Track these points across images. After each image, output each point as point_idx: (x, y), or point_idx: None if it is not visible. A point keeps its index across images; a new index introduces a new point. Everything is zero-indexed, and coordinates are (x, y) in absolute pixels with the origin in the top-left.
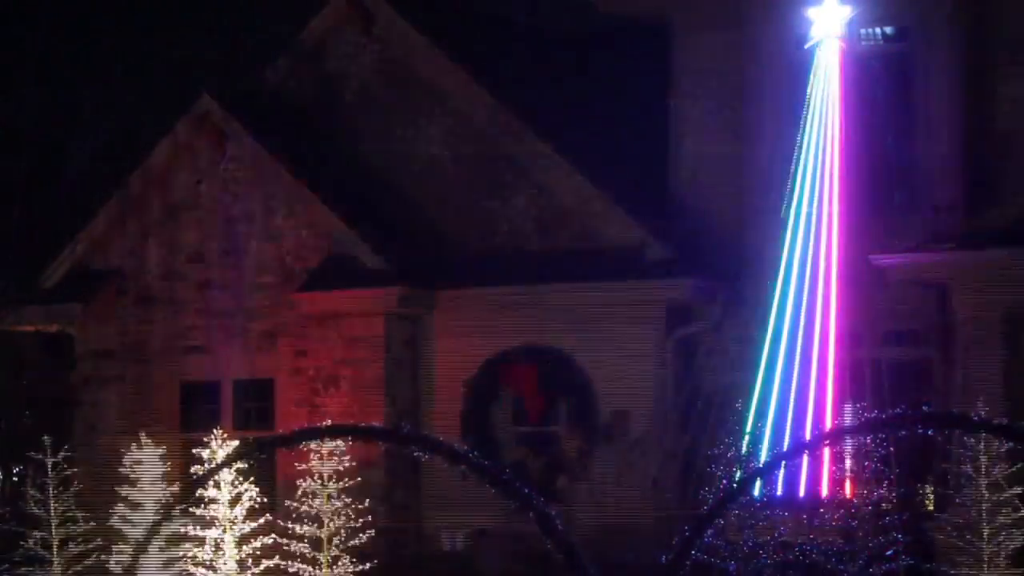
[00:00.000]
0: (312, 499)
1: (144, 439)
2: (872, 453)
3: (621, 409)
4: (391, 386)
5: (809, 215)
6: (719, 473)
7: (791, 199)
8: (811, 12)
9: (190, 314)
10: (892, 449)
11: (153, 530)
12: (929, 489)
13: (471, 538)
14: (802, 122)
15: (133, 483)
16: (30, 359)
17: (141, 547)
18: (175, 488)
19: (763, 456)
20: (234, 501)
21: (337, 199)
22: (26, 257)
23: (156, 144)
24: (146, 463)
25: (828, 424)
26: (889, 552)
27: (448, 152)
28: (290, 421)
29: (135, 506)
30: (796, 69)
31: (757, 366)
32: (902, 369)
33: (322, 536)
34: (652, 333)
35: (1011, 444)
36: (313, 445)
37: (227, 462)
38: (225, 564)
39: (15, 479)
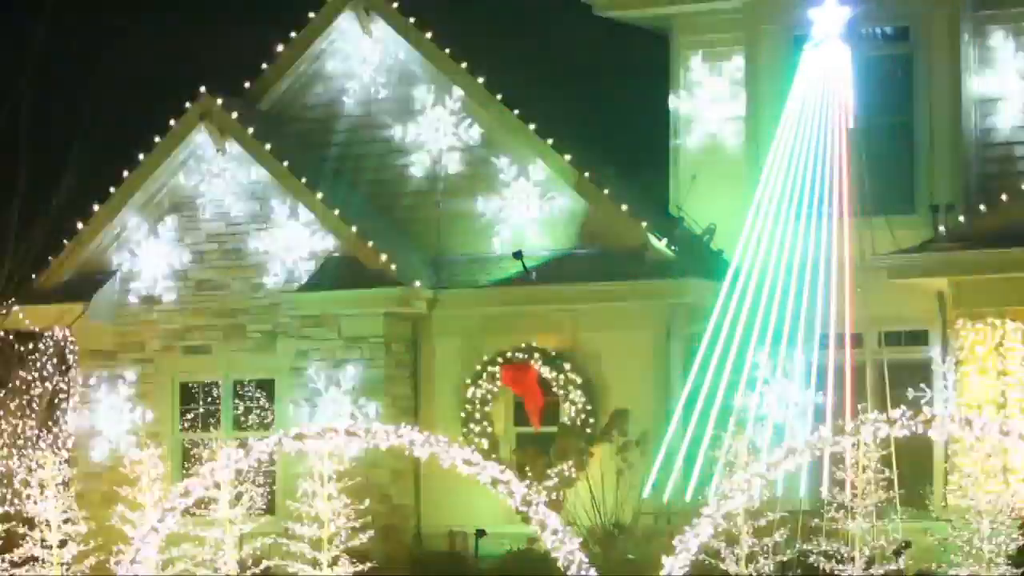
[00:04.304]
0: (312, 499)
1: (144, 439)
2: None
3: (622, 409)
4: (391, 386)
5: (809, 215)
6: (720, 473)
7: (790, 198)
8: (812, 12)
9: (190, 314)
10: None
11: (153, 530)
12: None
13: (471, 538)
14: (802, 122)
15: (132, 483)
16: (30, 359)
17: (141, 547)
18: (175, 489)
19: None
20: (234, 501)
21: (337, 198)
22: (26, 257)
23: (156, 143)
24: (146, 463)
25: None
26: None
27: (449, 151)
28: (290, 421)
29: (135, 506)
30: (796, 69)
31: (756, 366)
32: (902, 369)
33: (322, 536)
34: (652, 333)
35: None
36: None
37: (227, 463)
38: (225, 564)
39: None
